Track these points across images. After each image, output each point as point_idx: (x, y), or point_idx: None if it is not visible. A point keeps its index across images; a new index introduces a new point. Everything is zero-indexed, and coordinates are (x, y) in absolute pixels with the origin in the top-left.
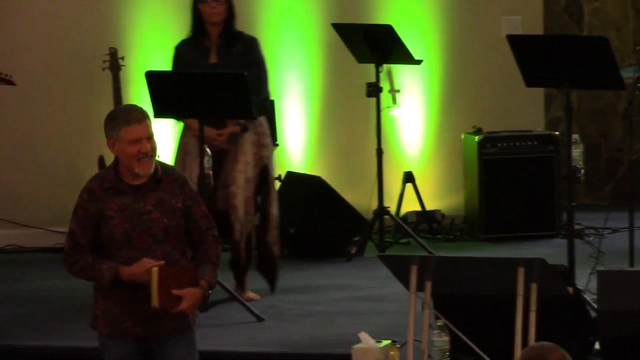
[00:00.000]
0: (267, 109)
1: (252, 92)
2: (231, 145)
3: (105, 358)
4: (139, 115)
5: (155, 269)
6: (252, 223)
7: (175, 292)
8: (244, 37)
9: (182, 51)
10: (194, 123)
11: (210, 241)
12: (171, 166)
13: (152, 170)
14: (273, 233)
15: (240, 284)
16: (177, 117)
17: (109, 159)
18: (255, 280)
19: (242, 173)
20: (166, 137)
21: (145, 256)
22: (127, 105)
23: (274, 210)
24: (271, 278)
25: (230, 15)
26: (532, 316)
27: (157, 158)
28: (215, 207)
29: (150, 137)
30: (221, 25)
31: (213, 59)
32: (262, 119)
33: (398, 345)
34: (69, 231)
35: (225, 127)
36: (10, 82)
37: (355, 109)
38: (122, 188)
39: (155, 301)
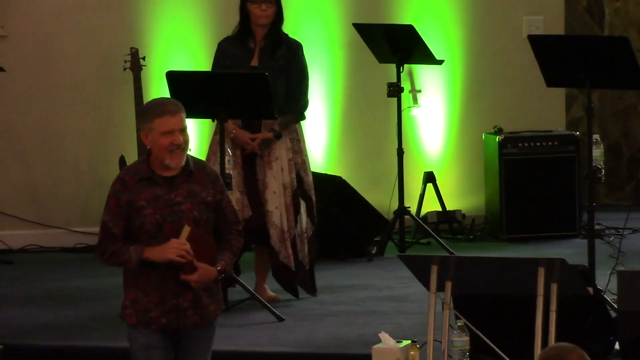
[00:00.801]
0: (305, 116)
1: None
2: (264, 151)
3: (131, 348)
4: (173, 107)
5: (187, 227)
6: (294, 229)
7: (194, 261)
8: (289, 42)
9: (226, 48)
10: (228, 123)
11: (234, 233)
12: (203, 160)
13: (183, 162)
14: (303, 242)
15: (293, 291)
16: (198, 117)
17: (130, 159)
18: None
19: (277, 179)
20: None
21: None
22: (162, 98)
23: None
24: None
25: (278, 18)
26: (553, 316)
27: (189, 151)
28: (250, 212)
29: (183, 130)
30: (268, 27)
31: (255, 62)
32: (298, 126)
33: (418, 346)
34: (101, 223)
35: (260, 130)
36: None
37: (376, 109)
38: (155, 179)
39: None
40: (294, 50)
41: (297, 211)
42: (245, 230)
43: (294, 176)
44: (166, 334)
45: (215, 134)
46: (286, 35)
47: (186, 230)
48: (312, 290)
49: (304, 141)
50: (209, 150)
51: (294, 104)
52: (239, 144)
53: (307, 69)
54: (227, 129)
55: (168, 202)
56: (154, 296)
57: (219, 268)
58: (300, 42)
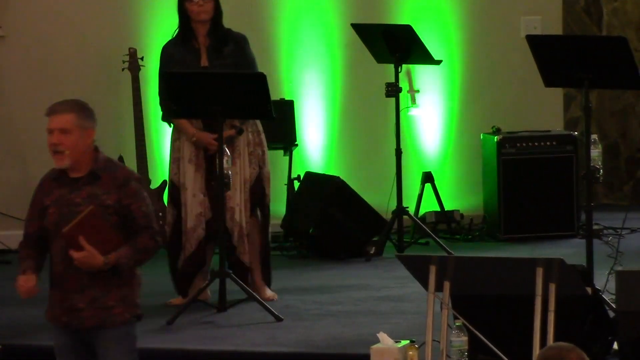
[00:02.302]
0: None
1: None
2: (228, 148)
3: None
4: (58, 107)
5: (92, 207)
6: (250, 224)
7: (81, 240)
8: (234, 36)
9: (171, 52)
10: (188, 127)
11: (144, 233)
12: (118, 165)
13: (64, 165)
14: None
15: (257, 285)
16: (195, 117)
17: (129, 159)
18: (276, 281)
19: (238, 175)
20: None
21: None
22: (70, 99)
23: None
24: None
25: (217, 13)
26: (551, 316)
27: (67, 154)
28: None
29: (63, 131)
30: (208, 24)
31: (204, 61)
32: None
33: (417, 345)
34: None
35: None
36: None
37: (374, 109)
38: (62, 180)
39: (67, 227)
40: (241, 44)
41: (254, 205)
42: (209, 232)
43: (254, 170)
44: (74, 333)
45: (174, 140)
46: (229, 30)
47: (88, 209)
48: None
49: (262, 133)
50: (172, 156)
51: None
52: (201, 146)
53: (255, 61)
54: (189, 132)
55: (68, 202)
56: (58, 294)
57: (106, 259)
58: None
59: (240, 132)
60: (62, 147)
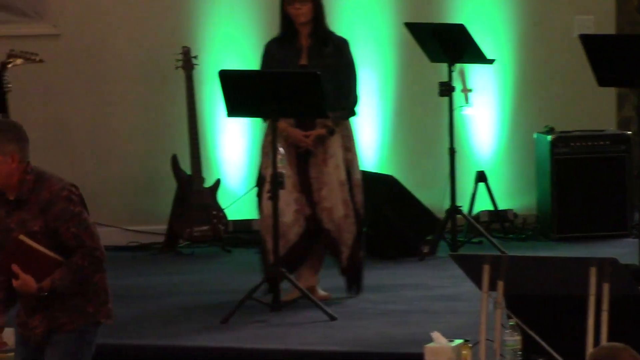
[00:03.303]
0: (356, 112)
1: (344, 93)
2: (318, 148)
3: None
4: None
5: (21, 236)
6: (354, 225)
7: (15, 268)
8: (335, 38)
9: (273, 49)
10: (281, 123)
11: (78, 253)
12: (49, 184)
13: None
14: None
15: (350, 287)
16: (250, 116)
17: (182, 158)
18: (329, 279)
19: (334, 176)
20: (239, 135)
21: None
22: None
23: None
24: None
25: (317, 15)
26: (604, 316)
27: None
28: (310, 211)
29: None
30: (310, 25)
31: (304, 60)
32: (349, 122)
33: (470, 345)
34: None
35: (313, 128)
36: (39, 61)
37: (427, 108)
38: (1, 201)
39: None
40: (342, 47)
41: (354, 209)
42: (305, 229)
43: (346, 173)
44: (30, 346)
45: (267, 135)
46: (332, 32)
47: (20, 237)
48: (358, 289)
49: (354, 139)
50: (261, 152)
51: (345, 100)
52: (292, 142)
53: (355, 65)
54: (280, 128)
55: (5, 226)
56: (21, 305)
57: (39, 286)
58: (349, 40)
59: (331, 132)
60: None
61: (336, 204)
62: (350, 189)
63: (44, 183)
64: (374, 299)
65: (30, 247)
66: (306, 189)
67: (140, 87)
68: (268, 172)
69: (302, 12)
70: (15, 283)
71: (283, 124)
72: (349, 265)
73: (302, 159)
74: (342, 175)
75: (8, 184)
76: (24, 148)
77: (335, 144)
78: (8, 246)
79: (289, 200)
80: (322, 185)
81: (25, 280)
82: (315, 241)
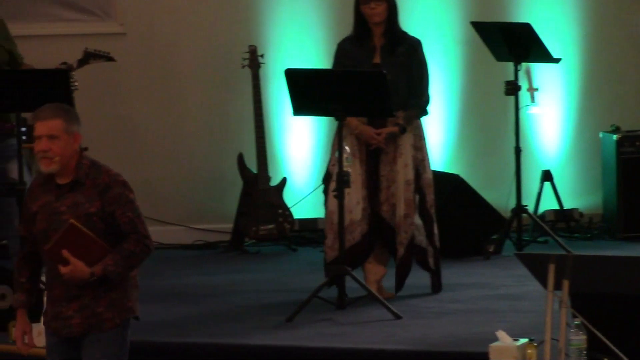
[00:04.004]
0: (428, 112)
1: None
2: (389, 146)
3: None
4: (45, 113)
5: (72, 221)
6: (414, 225)
7: (65, 254)
8: (409, 38)
9: (346, 47)
10: (352, 120)
11: (131, 239)
12: (105, 170)
13: (52, 169)
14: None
15: (398, 285)
16: (316, 115)
17: (249, 156)
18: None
19: (401, 175)
20: (305, 133)
21: None
22: (54, 103)
23: (427, 218)
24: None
25: (391, 15)
26: None
27: (56, 160)
28: (374, 208)
29: (51, 137)
30: (384, 25)
31: (377, 59)
32: (420, 122)
33: (535, 344)
34: None
35: (385, 126)
36: (111, 59)
37: (493, 107)
38: (48, 186)
39: (49, 244)
40: (415, 46)
41: (420, 208)
42: (369, 227)
43: (414, 172)
44: (65, 339)
45: (337, 133)
46: (405, 32)
47: (68, 224)
48: (439, 287)
49: (425, 138)
50: (332, 148)
51: (417, 99)
52: (363, 140)
53: (427, 65)
54: (352, 125)
55: (54, 210)
56: (49, 300)
57: (92, 271)
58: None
59: (403, 130)
60: (51, 153)
61: (399, 203)
62: (420, 189)
63: (99, 168)
64: (439, 297)
65: (81, 231)
66: (373, 186)
67: (207, 86)
68: (335, 169)
69: (377, 12)
70: (64, 269)
71: (355, 121)
72: (402, 263)
73: (372, 156)
74: (409, 175)
75: (68, 164)
76: (80, 131)
77: (406, 143)
78: (60, 230)
79: (358, 198)
80: (390, 183)
81: (76, 266)
82: (379, 238)
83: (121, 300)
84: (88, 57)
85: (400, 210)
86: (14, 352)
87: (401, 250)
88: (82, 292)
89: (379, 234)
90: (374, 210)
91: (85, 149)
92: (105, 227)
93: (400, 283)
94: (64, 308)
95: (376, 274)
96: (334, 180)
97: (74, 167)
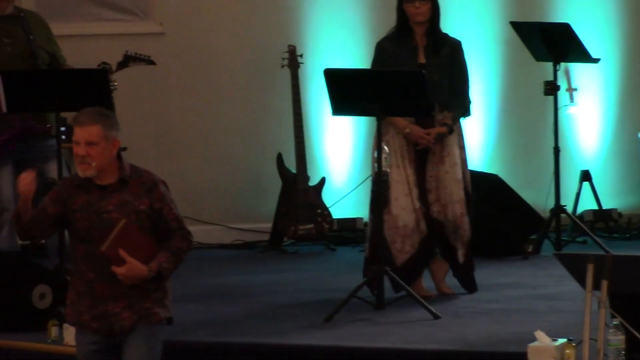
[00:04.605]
0: (471, 112)
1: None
2: (437, 146)
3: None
4: (84, 118)
5: (124, 220)
6: (468, 224)
7: (122, 253)
8: (450, 40)
9: (387, 47)
10: (400, 120)
11: (177, 236)
12: (144, 170)
13: (90, 174)
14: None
15: (468, 286)
16: (356, 115)
17: (287, 156)
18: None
19: (451, 174)
20: (344, 133)
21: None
22: (92, 108)
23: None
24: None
25: (434, 15)
26: None
27: (93, 166)
28: (425, 209)
29: (90, 143)
30: (426, 24)
31: (421, 59)
32: (460, 122)
33: (574, 344)
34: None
35: (431, 126)
36: (151, 62)
37: (532, 107)
38: (88, 187)
39: (105, 245)
40: (456, 48)
41: (468, 207)
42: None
43: (462, 172)
44: (104, 336)
45: (384, 134)
46: (446, 34)
47: (121, 223)
48: (473, 287)
49: (464, 137)
50: (372, 149)
51: (460, 100)
52: (411, 140)
53: (467, 66)
54: (400, 126)
55: (98, 209)
56: (86, 300)
57: (149, 268)
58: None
59: (450, 130)
60: (89, 158)
61: (452, 203)
62: (465, 188)
63: (139, 169)
64: (478, 297)
65: (135, 229)
66: (422, 187)
67: (246, 85)
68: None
69: (421, 12)
70: (119, 270)
71: (403, 121)
72: (465, 263)
73: (419, 157)
74: (459, 174)
75: (106, 168)
76: (119, 137)
77: (452, 142)
78: (115, 230)
79: (407, 200)
80: (439, 183)
81: (132, 265)
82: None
83: (162, 299)
84: (128, 60)
85: (457, 209)
86: (54, 352)
87: (462, 249)
88: (130, 290)
89: (434, 233)
90: (426, 210)
91: (124, 148)
92: (151, 224)
93: (469, 281)
94: (110, 306)
95: (444, 269)
96: (388, 185)
97: (116, 168)
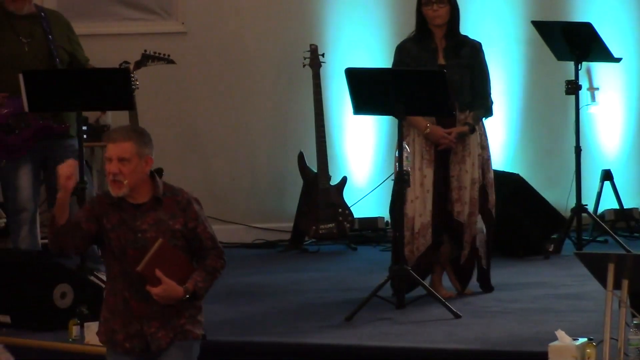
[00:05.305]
0: (493, 112)
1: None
2: (458, 146)
3: None
4: (117, 135)
5: (161, 240)
6: (476, 224)
7: (159, 274)
8: (470, 41)
9: (408, 48)
10: (421, 120)
11: (212, 255)
12: (179, 189)
13: (121, 194)
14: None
15: (462, 285)
16: (377, 114)
17: (309, 155)
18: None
19: (469, 174)
20: (366, 133)
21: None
22: (125, 125)
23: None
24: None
25: (453, 18)
26: None
27: (125, 184)
28: (450, 207)
29: (122, 160)
30: (445, 27)
31: (441, 60)
32: (482, 121)
33: (594, 344)
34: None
35: (453, 126)
36: (171, 61)
37: (554, 107)
38: (122, 205)
39: (142, 265)
40: (476, 49)
41: (481, 207)
42: (433, 227)
43: (480, 171)
44: (136, 357)
45: (405, 135)
46: (465, 36)
47: (158, 243)
48: (488, 287)
49: (487, 137)
50: (398, 149)
51: (482, 100)
52: (433, 140)
53: (487, 67)
54: (421, 126)
55: (133, 229)
56: (119, 319)
57: (186, 286)
58: (478, 38)
59: (472, 130)
60: (121, 176)
61: (466, 202)
62: (483, 188)
63: (173, 188)
64: (499, 296)
65: (171, 249)
66: (444, 186)
67: (267, 84)
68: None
69: (439, 14)
70: (155, 290)
71: (424, 122)
72: (467, 262)
73: (441, 156)
74: (476, 174)
75: (139, 186)
76: (153, 154)
77: (474, 142)
78: (152, 250)
79: (427, 199)
80: (460, 182)
81: (168, 285)
82: (440, 238)
83: (196, 315)
84: (146, 59)
85: (467, 209)
86: (74, 351)
87: (467, 249)
88: (165, 309)
89: (449, 231)
90: (444, 209)
91: (161, 170)
92: (185, 243)
93: (465, 282)
94: (145, 326)
95: (449, 253)
96: (408, 187)
97: (149, 187)
